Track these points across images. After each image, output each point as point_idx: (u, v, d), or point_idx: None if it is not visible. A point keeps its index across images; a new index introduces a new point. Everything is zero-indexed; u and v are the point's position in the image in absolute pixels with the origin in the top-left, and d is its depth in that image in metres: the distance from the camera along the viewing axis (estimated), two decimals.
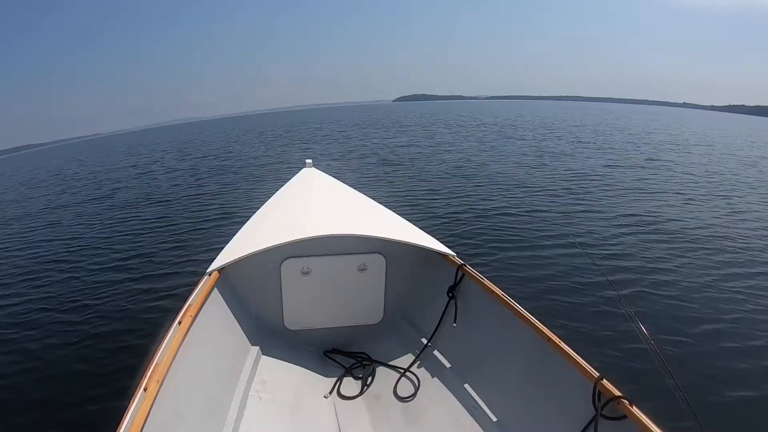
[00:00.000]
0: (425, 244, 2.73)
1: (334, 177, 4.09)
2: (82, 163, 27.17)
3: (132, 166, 20.12)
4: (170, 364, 1.71)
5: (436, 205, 8.28)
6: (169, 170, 16.43)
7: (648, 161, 14.00)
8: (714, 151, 17.79)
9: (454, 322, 2.55)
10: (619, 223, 7.01)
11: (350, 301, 2.96)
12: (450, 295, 2.63)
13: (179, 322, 1.97)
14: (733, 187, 10.28)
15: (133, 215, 9.18)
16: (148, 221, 8.50)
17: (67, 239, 7.82)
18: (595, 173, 11.54)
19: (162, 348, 1.78)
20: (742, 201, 8.85)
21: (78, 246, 7.29)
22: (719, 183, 10.71)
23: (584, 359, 1.80)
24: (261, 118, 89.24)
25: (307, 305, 2.90)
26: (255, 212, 3.37)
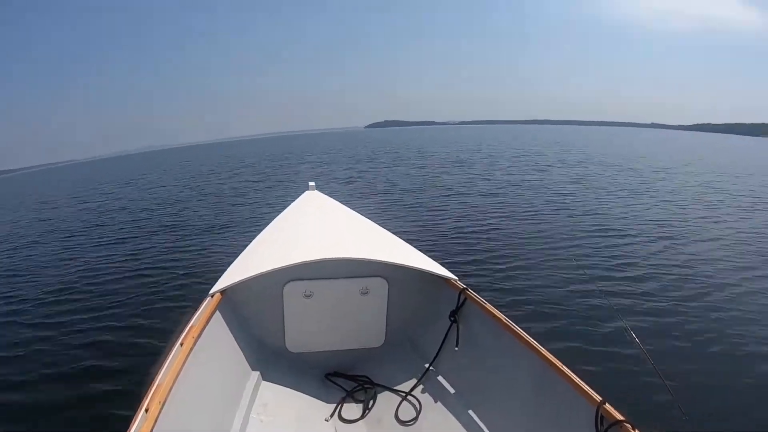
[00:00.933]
0: (427, 268, 2.74)
1: (337, 200, 4.12)
2: (73, 187, 27.24)
3: (127, 190, 20.24)
4: (172, 386, 1.70)
5: (438, 228, 8.31)
6: (164, 193, 16.56)
7: (647, 184, 14.10)
8: (712, 172, 17.83)
9: (456, 346, 2.54)
10: (624, 248, 7.00)
11: (352, 324, 2.95)
12: (452, 319, 2.62)
13: (181, 344, 1.97)
14: (737, 209, 10.33)
15: (136, 237, 9.21)
16: (150, 242, 8.54)
17: (69, 260, 7.83)
18: (595, 196, 11.62)
19: (164, 369, 1.78)
20: (751, 222, 8.91)
21: (80, 267, 7.29)
22: (723, 205, 10.75)
23: (587, 383, 1.80)
24: (237, 146, 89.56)
25: (309, 328, 2.90)
26: (257, 234, 3.40)
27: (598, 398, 1.69)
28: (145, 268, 6.77)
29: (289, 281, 2.80)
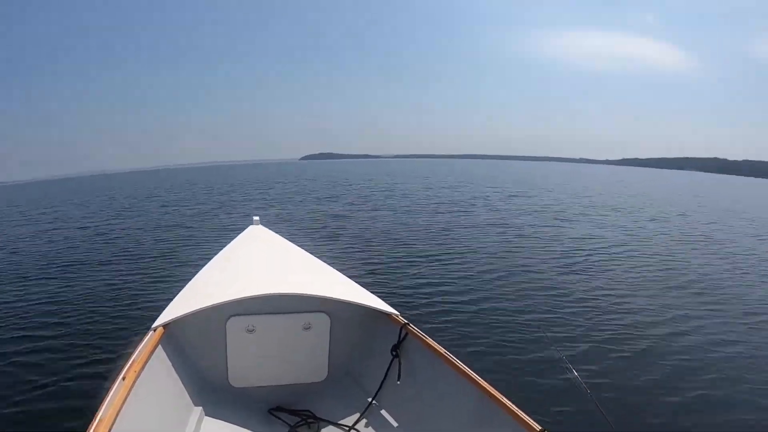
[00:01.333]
0: (369, 304, 2.83)
1: (281, 235, 4.16)
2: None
3: (60, 217, 18.57)
4: (114, 421, 1.67)
5: (381, 264, 8.43)
6: (101, 224, 15.45)
7: (581, 216, 15.23)
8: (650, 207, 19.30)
9: (398, 379, 2.63)
10: (559, 279, 7.45)
11: (295, 359, 2.97)
12: (394, 353, 2.71)
13: (123, 378, 1.94)
14: (672, 241, 11.44)
15: (73, 269, 8.56)
16: (90, 275, 7.99)
17: (5, 290, 7.23)
18: (531, 229, 12.42)
19: (105, 403, 1.75)
20: (691, 253, 9.94)
21: (19, 297, 6.76)
22: (652, 237, 11.86)
23: (526, 413, 1.89)
24: (180, 173, 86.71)
25: (252, 363, 2.89)
26: (201, 268, 3.37)
27: (538, 427, 1.79)
28: (85, 302, 6.36)
29: (232, 316, 2.80)
